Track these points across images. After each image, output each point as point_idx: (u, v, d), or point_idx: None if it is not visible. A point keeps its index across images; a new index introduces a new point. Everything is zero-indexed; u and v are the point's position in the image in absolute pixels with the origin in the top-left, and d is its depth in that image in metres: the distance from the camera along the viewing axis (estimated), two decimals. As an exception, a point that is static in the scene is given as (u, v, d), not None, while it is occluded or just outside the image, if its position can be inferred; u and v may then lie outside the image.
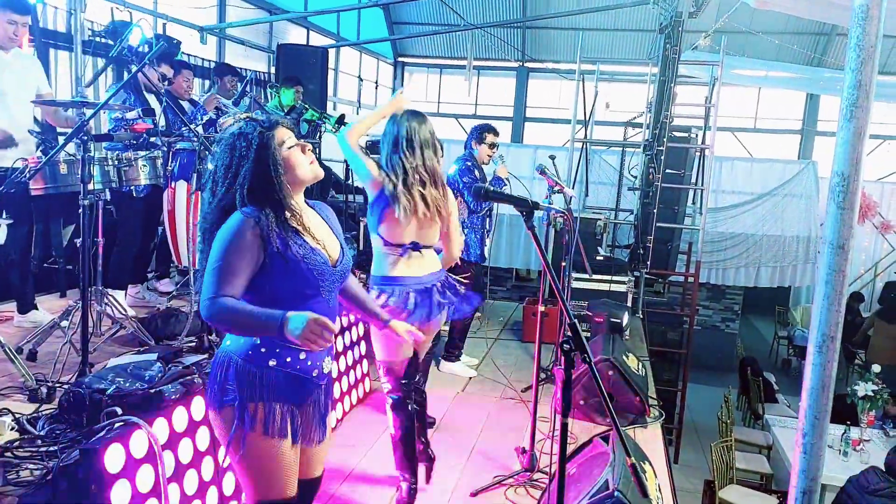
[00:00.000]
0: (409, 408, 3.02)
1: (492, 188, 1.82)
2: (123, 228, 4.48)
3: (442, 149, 3.09)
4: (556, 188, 4.26)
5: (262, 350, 1.90)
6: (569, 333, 1.81)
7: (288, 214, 1.93)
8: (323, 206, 2.17)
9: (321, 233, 2.02)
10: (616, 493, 2.32)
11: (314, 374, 1.99)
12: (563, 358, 1.83)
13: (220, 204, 1.91)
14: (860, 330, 10.60)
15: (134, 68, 3.29)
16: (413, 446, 3.04)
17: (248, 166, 1.88)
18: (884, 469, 4.06)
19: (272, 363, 1.90)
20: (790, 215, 10.16)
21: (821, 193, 10.59)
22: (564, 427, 1.88)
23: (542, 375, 4.87)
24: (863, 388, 5.37)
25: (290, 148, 1.94)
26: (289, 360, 1.92)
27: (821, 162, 11.05)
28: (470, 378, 4.91)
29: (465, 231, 4.63)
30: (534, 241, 1.81)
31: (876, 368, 5.41)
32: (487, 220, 4.91)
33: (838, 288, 1.39)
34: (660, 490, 2.86)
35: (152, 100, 4.57)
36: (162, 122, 4.54)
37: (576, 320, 1.82)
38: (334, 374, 2.09)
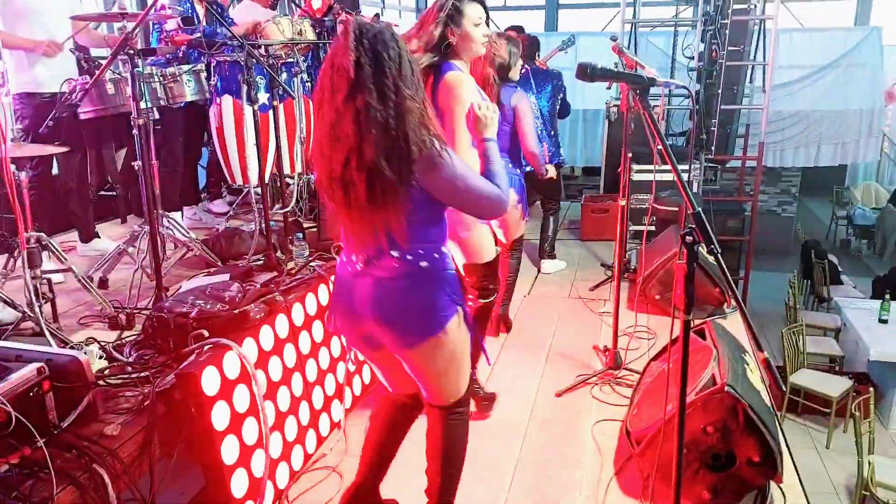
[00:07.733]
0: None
1: (598, 66, 1.61)
2: (165, 145, 4.22)
3: None
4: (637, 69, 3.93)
5: (447, 259, 1.94)
6: (691, 225, 1.66)
7: None
8: None
9: None
10: (727, 388, 2.22)
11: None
12: (685, 250, 1.68)
13: None
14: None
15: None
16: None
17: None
18: None
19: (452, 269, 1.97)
20: (853, 87, 9.50)
21: (885, 61, 9.88)
22: (687, 325, 1.75)
23: (608, 274, 4.76)
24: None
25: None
26: (449, 261, 1.98)
27: (884, 27, 10.25)
28: (536, 278, 4.83)
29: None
30: (648, 122, 1.62)
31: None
32: None
33: None
34: (762, 381, 2.76)
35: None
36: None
37: (699, 209, 1.65)
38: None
